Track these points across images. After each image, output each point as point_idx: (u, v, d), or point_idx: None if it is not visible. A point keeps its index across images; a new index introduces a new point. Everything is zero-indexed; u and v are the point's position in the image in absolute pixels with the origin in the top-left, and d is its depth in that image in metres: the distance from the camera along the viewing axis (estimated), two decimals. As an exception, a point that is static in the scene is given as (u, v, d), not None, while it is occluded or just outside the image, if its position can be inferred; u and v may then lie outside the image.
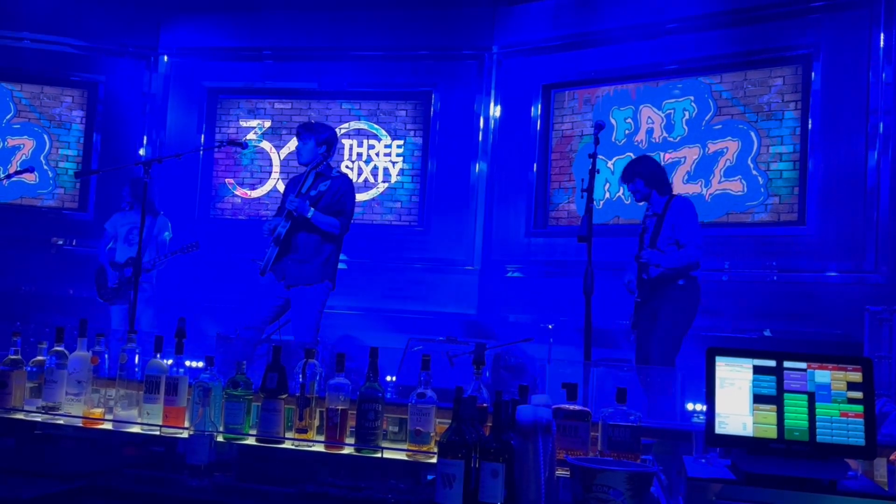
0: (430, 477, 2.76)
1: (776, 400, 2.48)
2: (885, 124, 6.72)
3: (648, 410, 3.82)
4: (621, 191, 8.00)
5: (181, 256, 6.69)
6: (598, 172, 4.62)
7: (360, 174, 9.05)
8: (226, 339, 5.70)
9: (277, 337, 5.83)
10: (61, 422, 3.26)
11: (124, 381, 3.33)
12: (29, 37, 9.09)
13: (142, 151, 9.21)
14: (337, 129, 8.99)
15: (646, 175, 5.36)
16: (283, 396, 3.03)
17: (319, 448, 2.97)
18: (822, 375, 2.48)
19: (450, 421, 2.57)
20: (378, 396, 2.93)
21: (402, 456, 2.88)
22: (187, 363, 3.27)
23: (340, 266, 5.51)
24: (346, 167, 9.00)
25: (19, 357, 3.42)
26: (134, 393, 3.29)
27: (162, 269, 6.79)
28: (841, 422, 2.42)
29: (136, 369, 3.40)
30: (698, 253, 5.10)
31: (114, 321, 6.63)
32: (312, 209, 5.22)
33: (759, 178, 7.35)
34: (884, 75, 6.75)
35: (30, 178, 8.72)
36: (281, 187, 9.02)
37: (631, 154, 7.96)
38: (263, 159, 9.32)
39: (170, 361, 3.21)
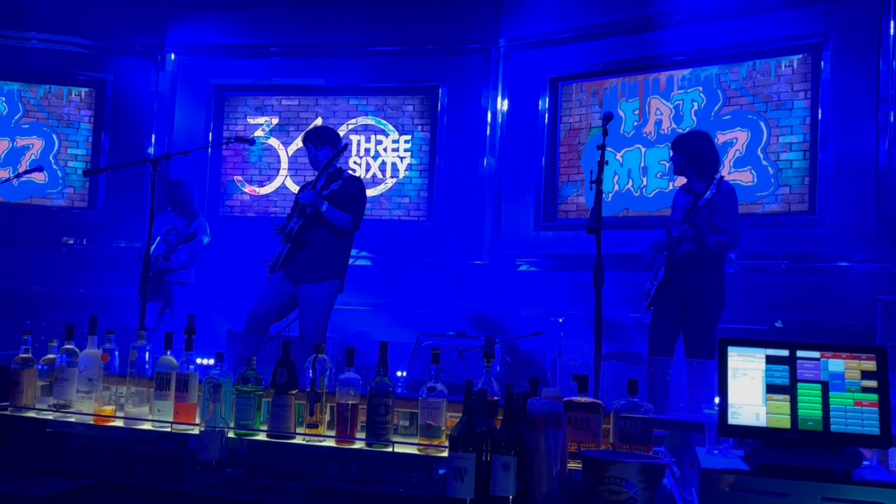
0: (441, 471, 2.76)
1: (789, 390, 2.46)
2: (896, 113, 6.68)
3: (671, 406, 3.79)
4: (630, 183, 7.97)
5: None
6: (607, 164, 4.58)
7: (367, 170, 9.05)
8: (236, 335, 5.71)
9: (287, 334, 5.83)
10: (73, 419, 3.27)
11: (135, 378, 3.34)
12: (36, 37, 9.12)
13: (150, 150, 9.22)
14: (344, 125, 9.05)
15: (682, 152, 5.31)
16: (294, 392, 3.04)
17: (330, 443, 2.96)
18: (836, 364, 2.46)
19: (460, 415, 2.56)
20: (388, 391, 2.93)
21: (413, 450, 2.88)
22: (198, 360, 3.27)
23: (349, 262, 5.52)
24: (354, 163, 9.01)
25: (30, 356, 3.43)
26: (145, 390, 3.30)
27: (200, 267, 6.79)
28: (855, 411, 2.40)
29: (147, 366, 3.40)
30: (734, 241, 5.12)
31: (147, 318, 6.69)
32: (326, 203, 5.25)
33: (769, 169, 7.31)
34: (894, 64, 6.69)
35: (39, 177, 8.77)
36: (289, 184, 9.05)
37: (640, 146, 7.94)
38: (271, 156, 9.33)
39: (181, 358, 3.21)
